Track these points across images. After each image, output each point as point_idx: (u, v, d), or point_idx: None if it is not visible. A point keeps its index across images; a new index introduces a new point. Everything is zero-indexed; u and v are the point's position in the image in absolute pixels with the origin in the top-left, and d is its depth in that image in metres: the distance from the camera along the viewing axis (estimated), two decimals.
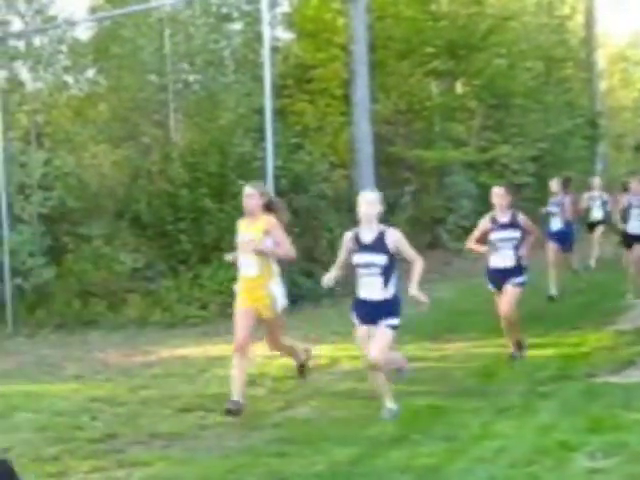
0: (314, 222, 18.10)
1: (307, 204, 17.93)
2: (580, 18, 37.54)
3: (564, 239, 16.58)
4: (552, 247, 16.49)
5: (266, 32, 14.68)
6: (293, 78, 23.14)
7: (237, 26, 21.25)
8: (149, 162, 19.11)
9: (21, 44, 18.96)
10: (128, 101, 19.66)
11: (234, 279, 9.14)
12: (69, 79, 20.43)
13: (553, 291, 16.07)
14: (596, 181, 19.98)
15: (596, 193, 19.31)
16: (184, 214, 17.50)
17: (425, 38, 25.64)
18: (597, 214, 19.30)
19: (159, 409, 8.94)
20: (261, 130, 15.31)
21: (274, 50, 17.84)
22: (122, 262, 16.86)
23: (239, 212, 9.06)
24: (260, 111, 15.74)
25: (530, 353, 11.14)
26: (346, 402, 8.87)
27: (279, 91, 19.00)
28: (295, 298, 13.15)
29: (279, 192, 14.61)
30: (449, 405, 8.70)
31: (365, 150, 21.13)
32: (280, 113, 18.22)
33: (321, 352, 11.72)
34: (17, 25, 19.10)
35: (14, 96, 19.04)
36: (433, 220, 24.96)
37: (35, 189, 17.38)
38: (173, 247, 17.53)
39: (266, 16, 14.80)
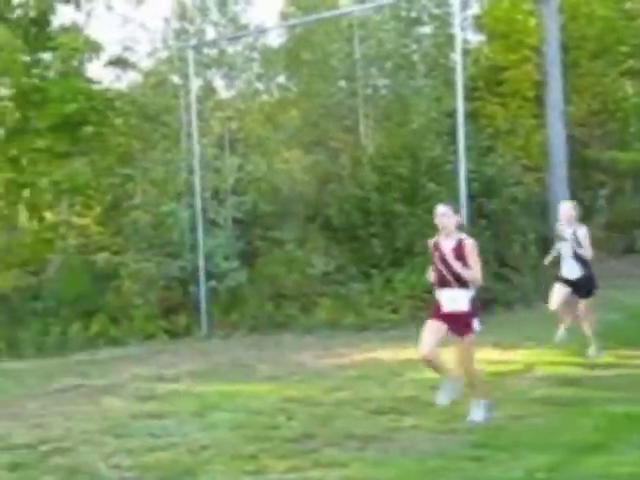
0: (506, 226, 17.85)
1: (499, 208, 17.72)
2: None
3: None
4: None
5: (458, 35, 14.55)
6: (484, 80, 22.98)
7: (427, 30, 21.22)
8: (339, 166, 19.26)
9: (214, 52, 19.46)
10: (318, 107, 19.89)
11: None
12: (260, 86, 20.87)
13: None
14: None
15: None
16: (375, 218, 17.55)
17: (619, 37, 25.12)
18: None
19: (353, 411, 8.94)
20: (452, 133, 15.20)
21: (465, 53, 17.65)
22: (313, 265, 17.06)
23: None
24: (451, 114, 15.64)
25: None
26: (541, 408, 8.67)
27: (470, 94, 18.85)
28: (487, 302, 13.02)
29: (471, 196, 14.50)
30: None
31: (559, 153, 20.77)
32: (471, 116, 18.05)
33: (515, 357, 11.58)
34: (211, 34, 19.63)
35: (208, 103, 19.54)
36: (629, 223, 24.31)
37: (229, 194, 17.77)
38: (364, 251, 17.59)
39: (457, 19, 14.68)
